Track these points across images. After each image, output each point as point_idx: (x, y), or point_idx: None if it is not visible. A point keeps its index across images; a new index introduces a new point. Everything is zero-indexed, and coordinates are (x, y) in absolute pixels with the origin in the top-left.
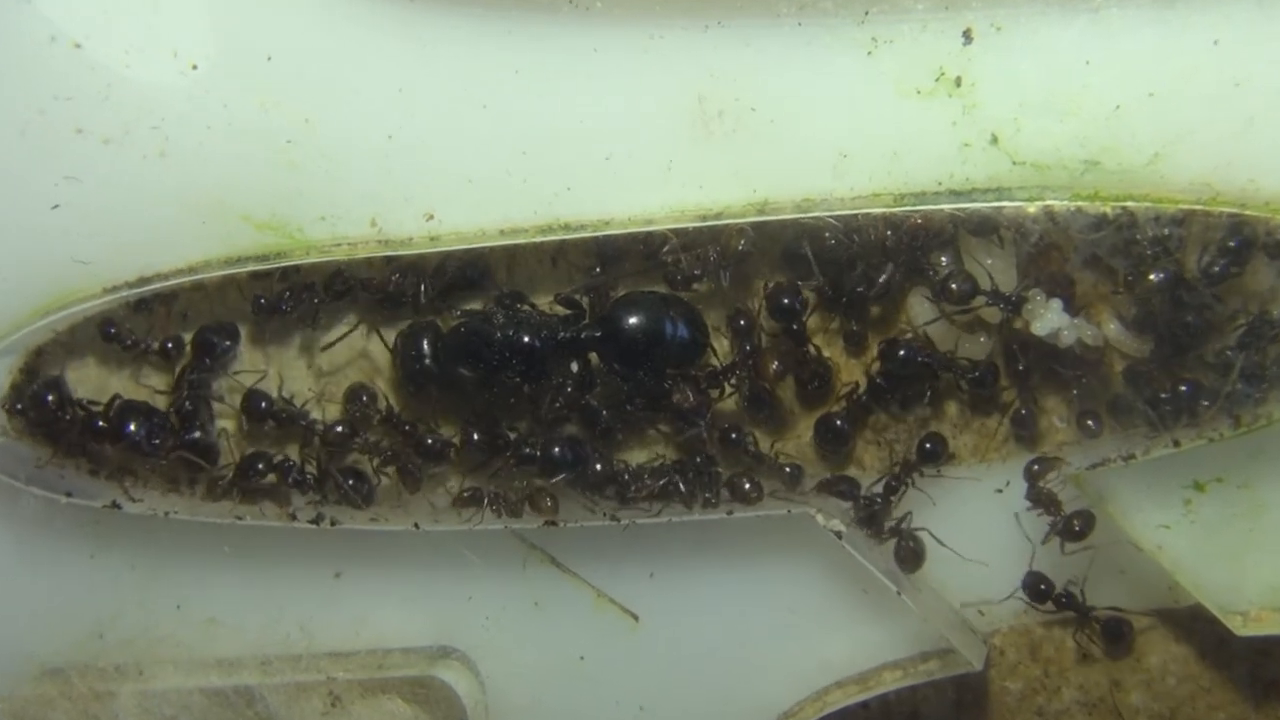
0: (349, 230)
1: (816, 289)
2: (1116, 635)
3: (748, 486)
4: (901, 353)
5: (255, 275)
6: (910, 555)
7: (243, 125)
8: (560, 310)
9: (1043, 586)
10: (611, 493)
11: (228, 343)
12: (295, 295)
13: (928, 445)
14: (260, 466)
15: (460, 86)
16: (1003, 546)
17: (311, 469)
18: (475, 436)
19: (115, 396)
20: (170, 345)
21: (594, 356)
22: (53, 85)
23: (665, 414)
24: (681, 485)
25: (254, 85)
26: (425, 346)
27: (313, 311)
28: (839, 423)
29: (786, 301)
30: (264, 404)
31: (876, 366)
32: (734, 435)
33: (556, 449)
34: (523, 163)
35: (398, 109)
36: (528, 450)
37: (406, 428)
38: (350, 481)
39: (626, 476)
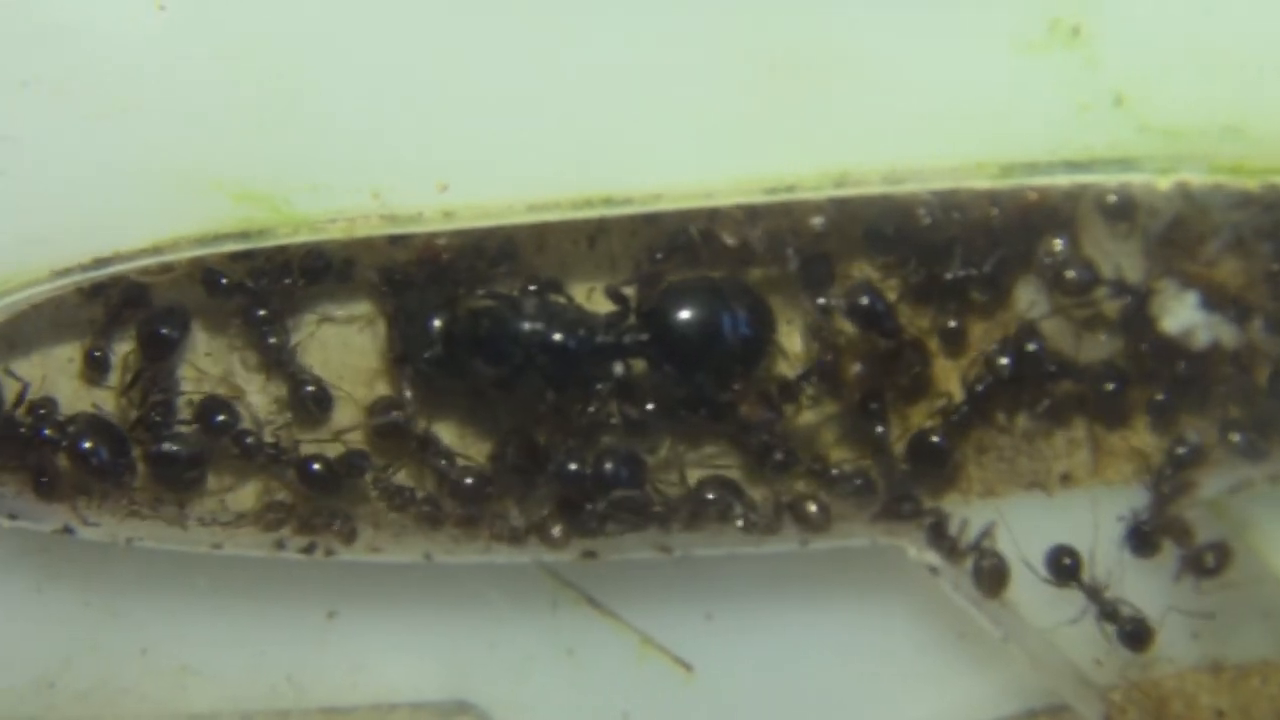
0: (346, 203)
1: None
2: (1136, 639)
3: (813, 509)
4: (1032, 347)
5: (235, 256)
6: (991, 576)
7: (219, 75)
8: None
9: (1066, 561)
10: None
11: (177, 332)
12: (272, 275)
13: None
14: (221, 419)
15: (481, 27)
16: (1126, 584)
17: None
18: (510, 454)
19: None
20: (97, 354)
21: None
22: None
23: (730, 426)
24: (739, 509)
25: (233, 27)
26: (435, 329)
27: (288, 294)
28: (935, 439)
29: (866, 302)
30: (220, 417)
31: (977, 373)
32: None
33: (609, 465)
34: (556, 122)
35: (406, 56)
36: (573, 467)
37: (443, 462)
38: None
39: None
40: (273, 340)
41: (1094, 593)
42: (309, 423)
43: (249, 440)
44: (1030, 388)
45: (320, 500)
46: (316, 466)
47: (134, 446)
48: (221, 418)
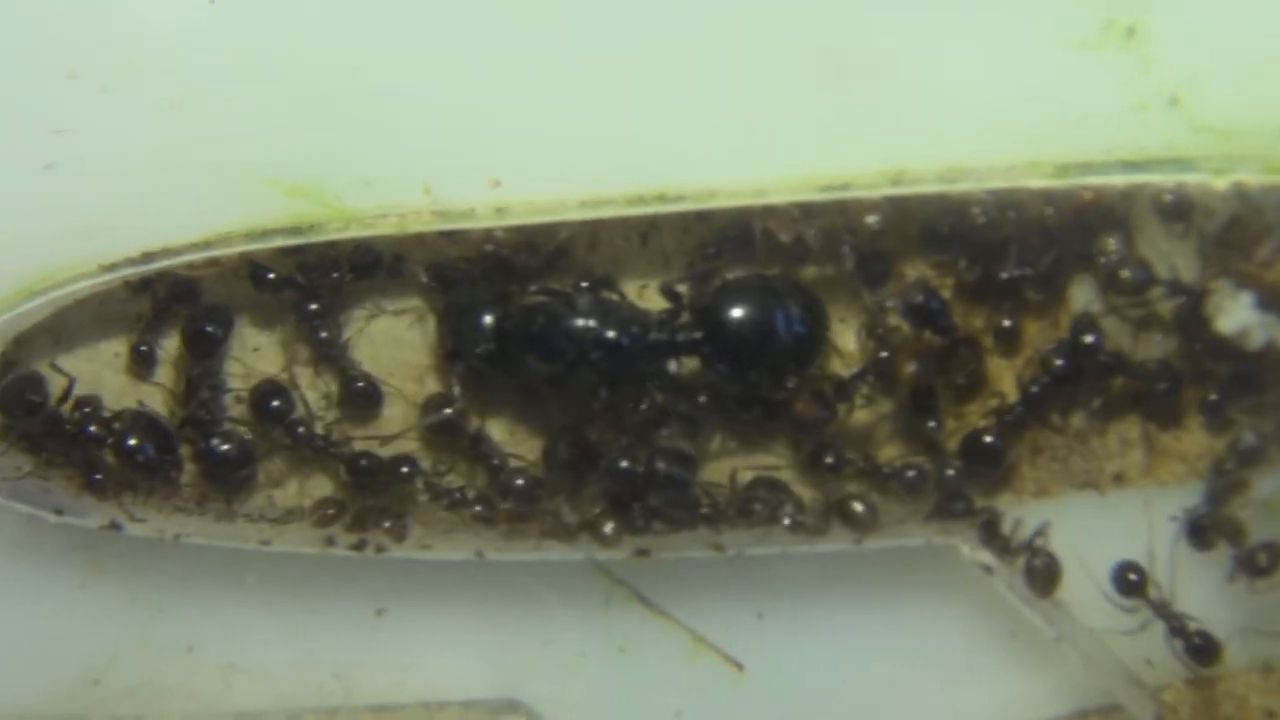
0: (398, 198)
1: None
2: (1204, 654)
3: (859, 509)
4: (1089, 339)
5: (282, 251)
6: (1043, 575)
7: (271, 70)
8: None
9: (1132, 577)
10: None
11: (221, 330)
12: (320, 269)
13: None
14: (276, 404)
15: (534, 25)
16: (1178, 584)
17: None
18: (561, 451)
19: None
20: (143, 349)
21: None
22: (40, 20)
23: (784, 424)
24: (787, 509)
25: (284, 21)
26: (487, 325)
27: (337, 288)
28: (989, 439)
29: (921, 300)
30: (275, 403)
31: (1031, 373)
32: (927, 400)
33: (660, 463)
34: (610, 120)
35: (458, 51)
36: (625, 464)
37: (495, 462)
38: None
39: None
40: (324, 334)
41: (1161, 608)
42: (359, 418)
43: (300, 430)
44: (1084, 387)
45: (367, 497)
46: (364, 462)
47: (182, 445)
48: (276, 404)
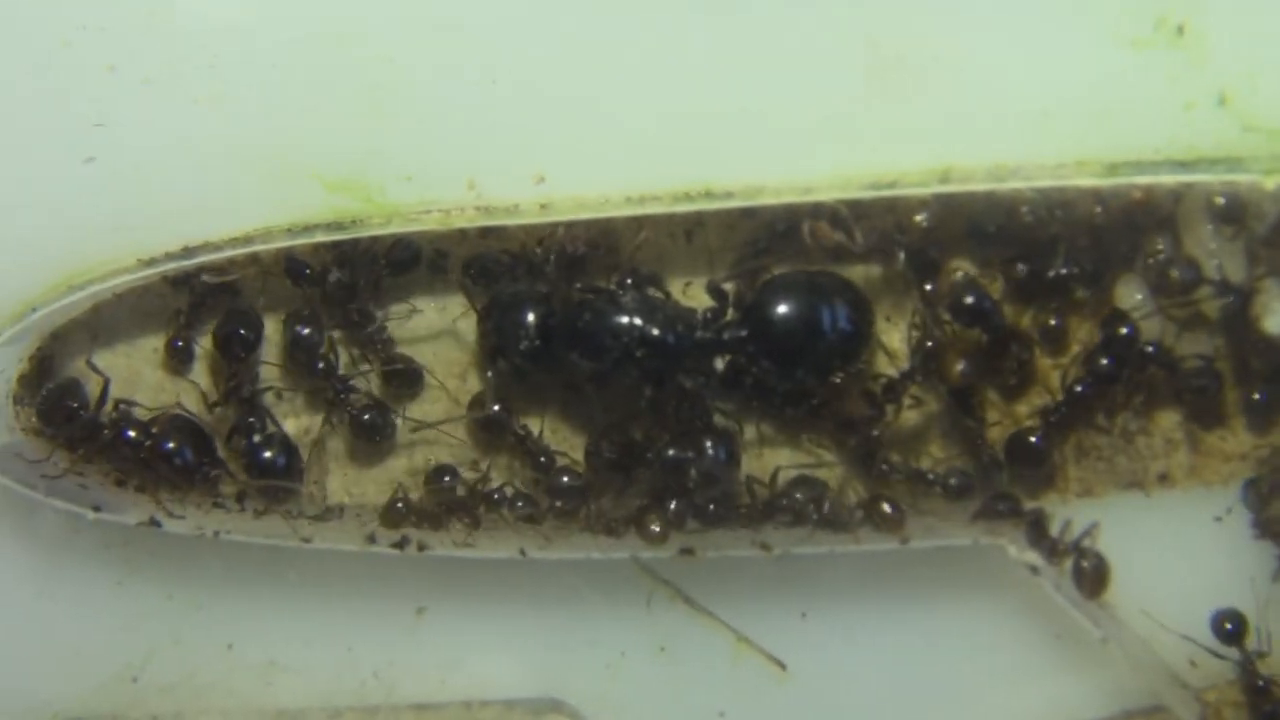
0: (441, 193)
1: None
2: None
3: (887, 509)
4: (1124, 330)
5: (319, 245)
6: (1091, 577)
7: (313, 64)
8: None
9: (1229, 626)
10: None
11: (254, 333)
12: (358, 263)
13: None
14: (305, 331)
15: (579, 20)
16: (1222, 585)
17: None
18: (605, 449)
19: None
20: (179, 344)
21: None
22: (80, 11)
23: (830, 423)
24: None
25: (328, 15)
26: (531, 322)
27: (375, 282)
28: (1033, 440)
29: (972, 301)
30: (306, 330)
31: (1076, 373)
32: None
33: (709, 441)
34: (656, 116)
35: (503, 47)
36: (672, 453)
37: (543, 459)
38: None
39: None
40: (358, 319)
41: (1248, 664)
42: (400, 400)
43: (321, 366)
44: (1128, 385)
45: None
46: (368, 418)
47: (228, 452)
48: (307, 330)
